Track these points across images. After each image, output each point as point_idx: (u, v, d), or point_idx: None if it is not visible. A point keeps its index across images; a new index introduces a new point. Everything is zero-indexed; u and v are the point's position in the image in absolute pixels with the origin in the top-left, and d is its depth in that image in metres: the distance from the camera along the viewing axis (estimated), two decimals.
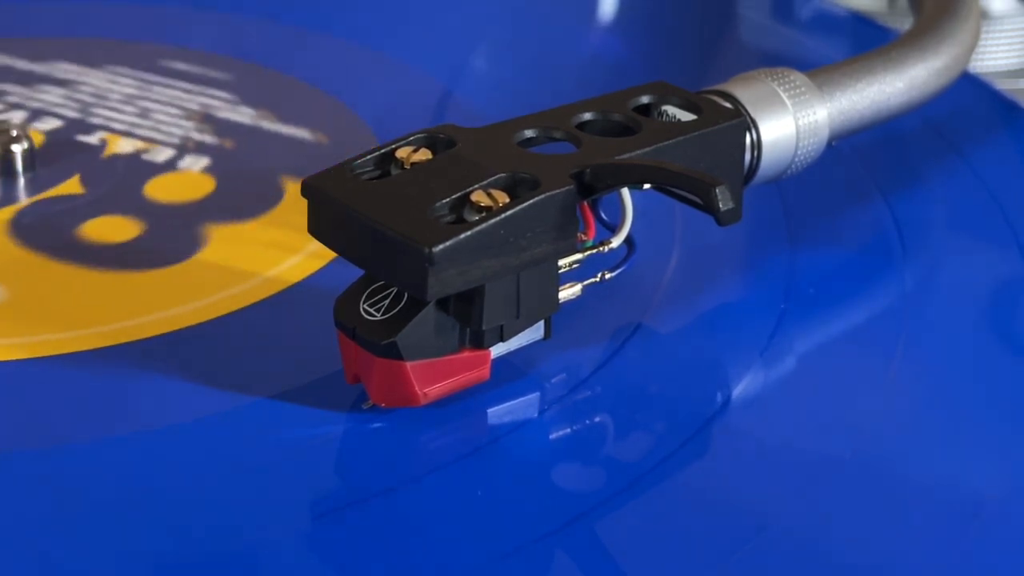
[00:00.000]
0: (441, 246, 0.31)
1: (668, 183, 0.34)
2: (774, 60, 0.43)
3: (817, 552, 0.31)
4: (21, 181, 0.44)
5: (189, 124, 0.47)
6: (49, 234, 0.41)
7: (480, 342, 0.34)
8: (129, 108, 0.48)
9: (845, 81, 0.40)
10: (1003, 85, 0.53)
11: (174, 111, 0.48)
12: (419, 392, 0.33)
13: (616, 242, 0.35)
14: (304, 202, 0.34)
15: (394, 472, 0.33)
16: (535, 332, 0.35)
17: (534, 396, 0.35)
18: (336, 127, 0.47)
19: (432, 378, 0.33)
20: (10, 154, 0.44)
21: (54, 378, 0.35)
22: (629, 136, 0.35)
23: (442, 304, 0.33)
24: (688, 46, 0.57)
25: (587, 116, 0.36)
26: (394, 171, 0.34)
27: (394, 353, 0.33)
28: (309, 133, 0.47)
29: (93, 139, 0.46)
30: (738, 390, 0.36)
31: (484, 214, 0.32)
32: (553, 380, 0.35)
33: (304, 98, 0.49)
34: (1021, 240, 0.42)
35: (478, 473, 0.33)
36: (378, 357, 0.33)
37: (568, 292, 0.35)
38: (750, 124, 0.38)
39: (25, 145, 0.44)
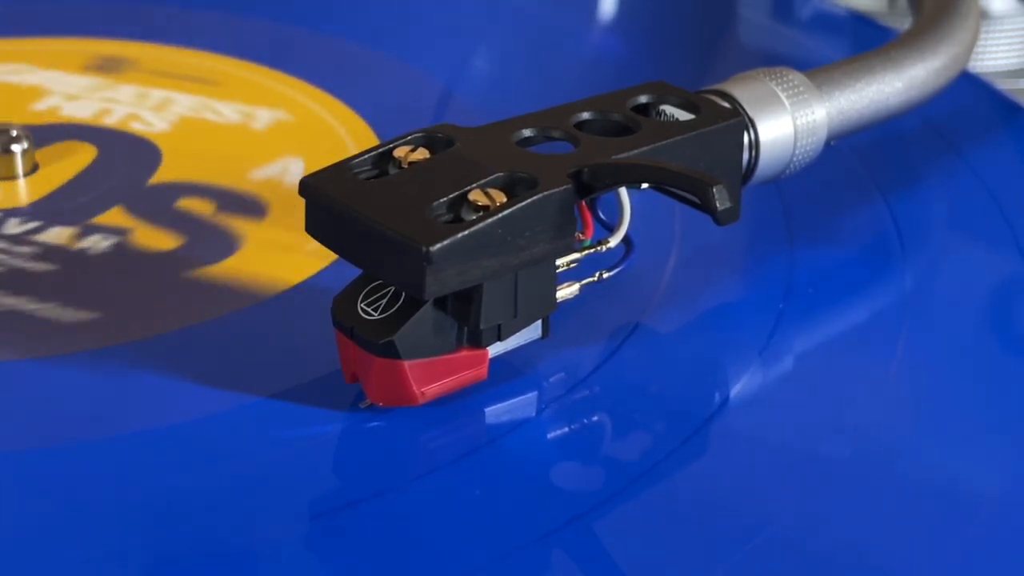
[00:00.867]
0: (439, 245, 0.31)
1: (666, 183, 0.34)
2: (774, 60, 0.42)
3: (816, 552, 0.31)
4: (22, 181, 0.44)
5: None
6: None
7: (478, 341, 0.34)
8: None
9: (844, 81, 0.40)
10: (1003, 85, 0.53)
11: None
12: (417, 391, 0.33)
13: (614, 242, 0.35)
14: (302, 201, 0.34)
15: (393, 472, 0.33)
16: (533, 331, 0.35)
17: (532, 396, 0.35)
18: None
19: (430, 377, 0.33)
20: (10, 154, 0.44)
21: (54, 378, 0.35)
22: (627, 136, 0.35)
23: (440, 303, 0.33)
24: (688, 46, 0.57)
25: (585, 116, 0.36)
26: (392, 170, 0.34)
27: (392, 352, 0.33)
28: None
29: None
30: (737, 390, 0.36)
31: (482, 213, 0.32)
32: (551, 380, 0.35)
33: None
34: (1021, 240, 0.42)
35: (477, 473, 0.33)
36: (376, 356, 0.33)
37: (566, 291, 0.35)
38: (748, 124, 0.38)
39: (25, 145, 0.44)
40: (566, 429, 0.34)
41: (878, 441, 0.34)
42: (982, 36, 0.51)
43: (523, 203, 0.32)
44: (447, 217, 0.32)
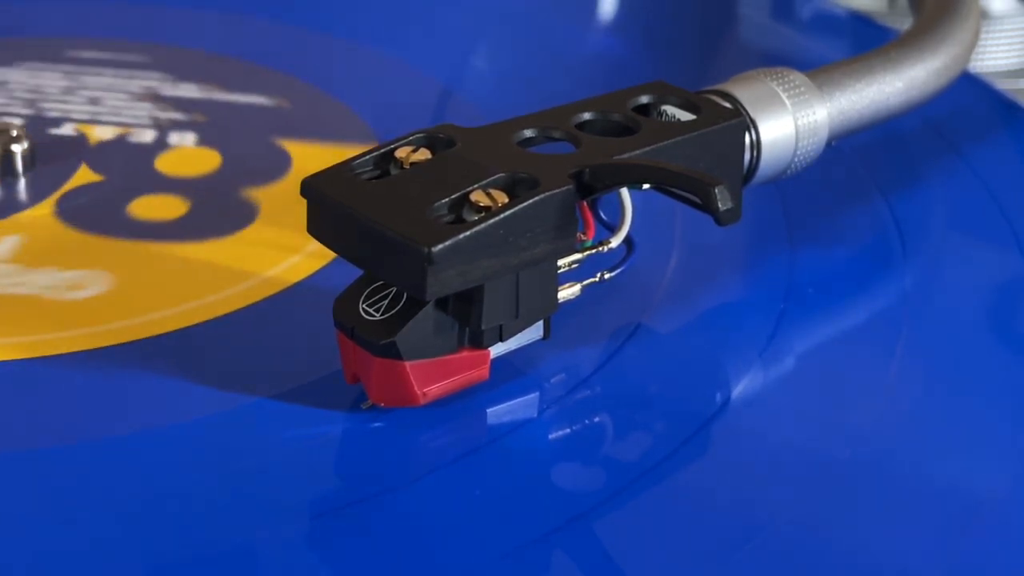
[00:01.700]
0: (440, 246, 0.31)
1: (667, 183, 0.34)
2: (774, 60, 0.42)
3: (817, 552, 0.31)
4: (22, 181, 0.44)
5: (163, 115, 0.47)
6: (102, 216, 0.42)
7: (479, 342, 0.34)
8: (74, 98, 0.48)
9: (845, 81, 0.40)
10: (1003, 85, 0.53)
11: (124, 96, 0.48)
12: (418, 392, 0.33)
13: (615, 242, 0.35)
14: (302, 201, 0.34)
15: (393, 472, 0.33)
16: (534, 332, 0.35)
17: (533, 396, 0.35)
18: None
19: (431, 378, 0.33)
20: (10, 154, 0.44)
21: (54, 378, 0.35)
22: (628, 136, 0.35)
23: (441, 304, 0.33)
24: (688, 46, 0.57)
25: (586, 116, 0.36)
26: (393, 171, 0.34)
27: (393, 353, 0.33)
28: None
29: (69, 131, 0.46)
30: (737, 390, 0.36)
31: (483, 214, 0.32)
32: (552, 380, 0.35)
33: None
34: (1021, 240, 0.42)
35: (478, 473, 0.33)
36: (377, 357, 0.33)
37: (567, 292, 0.35)
38: (749, 124, 0.38)
39: (25, 145, 0.44)
40: (567, 429, 0.34)
41: (878, 441, 0.34)
42: (982, 36, 0.51)
43: (524, 203, 0.32)
44: (448, 218, 0.32)
